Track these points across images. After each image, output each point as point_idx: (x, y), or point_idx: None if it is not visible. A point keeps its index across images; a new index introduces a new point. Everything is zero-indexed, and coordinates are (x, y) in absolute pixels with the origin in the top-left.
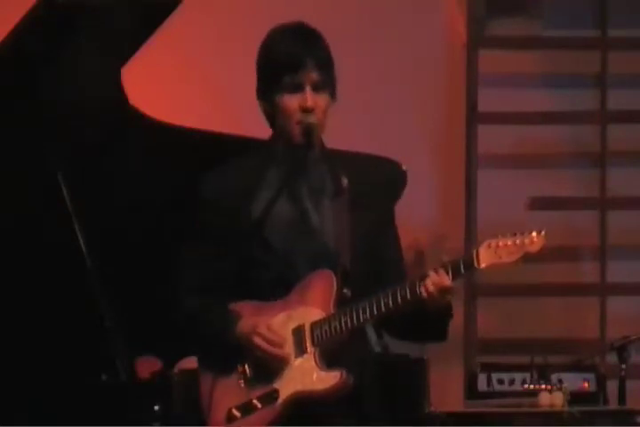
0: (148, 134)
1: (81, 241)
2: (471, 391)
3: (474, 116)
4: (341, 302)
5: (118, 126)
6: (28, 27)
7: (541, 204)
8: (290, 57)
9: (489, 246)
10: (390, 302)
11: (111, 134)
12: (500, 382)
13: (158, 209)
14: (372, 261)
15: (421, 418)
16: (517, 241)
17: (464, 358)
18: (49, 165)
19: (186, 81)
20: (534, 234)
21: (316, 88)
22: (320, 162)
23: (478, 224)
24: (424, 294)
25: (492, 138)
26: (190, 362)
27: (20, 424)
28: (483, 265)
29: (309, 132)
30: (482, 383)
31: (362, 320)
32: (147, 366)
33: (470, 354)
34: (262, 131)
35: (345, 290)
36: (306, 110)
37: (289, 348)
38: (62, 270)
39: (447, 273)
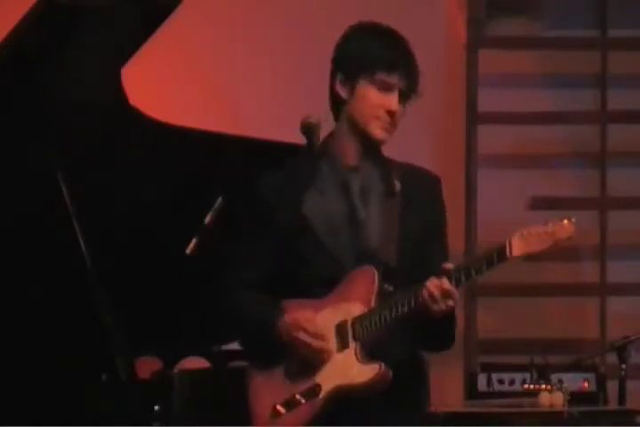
0: (148, 134)
1: (81, 241)
2: (471, 391)
3: (474, 116)
4: (383, 297)
5: (118, 126)
6: (29, 27)
7: (541, 204)
8: (387, 56)
9: (521, 236)
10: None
11: (111, 134)
12: (500, 382)
13: (158, 209)
14: (419, 263)
15: (421, 418)
16: (549, 229)
17: (464, 358)
18: (49, 165)
19: (186, 81)
20: (565, 221)
21: (401, 98)
22: (373, 164)
23: (478, 224)
24: (425, 297)
25: (491, 138)
26: (190, 362)
27: (20, 424)
28: (515, 254)
29: (310, 131)
30: (482, 383)
31: (399, 314)
32: (147, 366)
33: (470, 354)
34: (262, 131)
35: (386, 285)
36: (390, 113)
37: (332, 342)
38: (62, 270)
39: (450, 280)
